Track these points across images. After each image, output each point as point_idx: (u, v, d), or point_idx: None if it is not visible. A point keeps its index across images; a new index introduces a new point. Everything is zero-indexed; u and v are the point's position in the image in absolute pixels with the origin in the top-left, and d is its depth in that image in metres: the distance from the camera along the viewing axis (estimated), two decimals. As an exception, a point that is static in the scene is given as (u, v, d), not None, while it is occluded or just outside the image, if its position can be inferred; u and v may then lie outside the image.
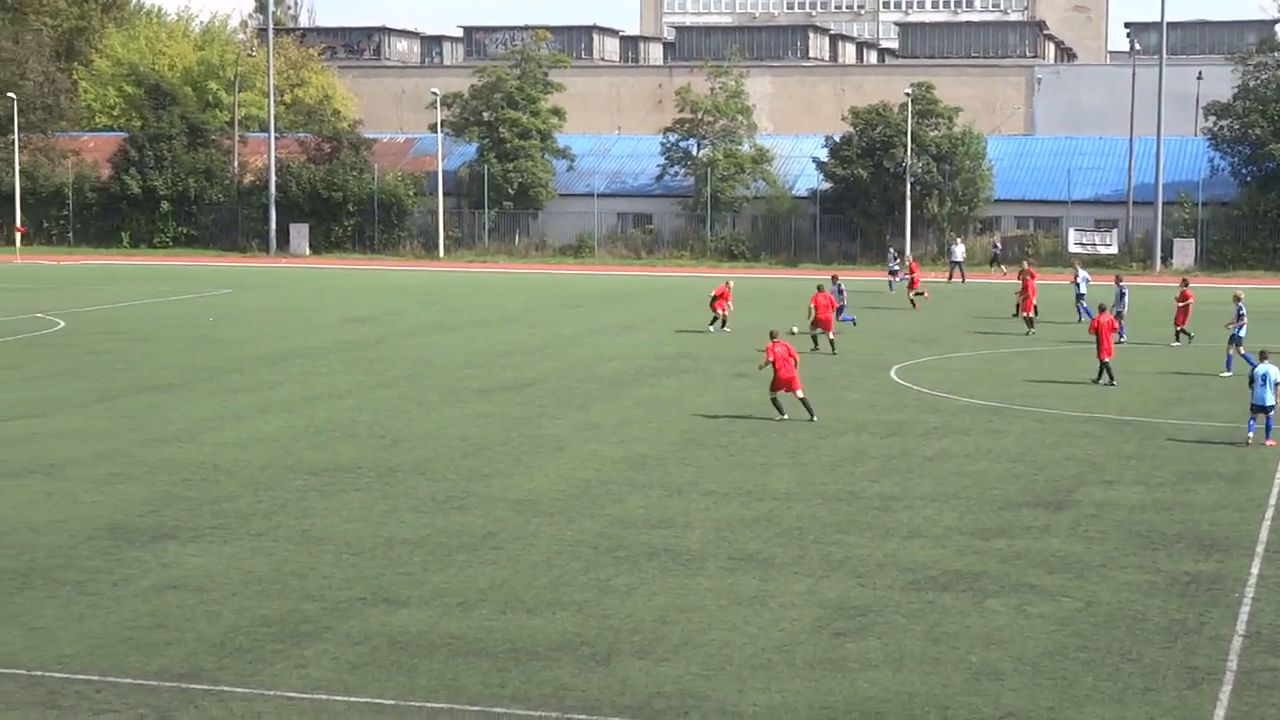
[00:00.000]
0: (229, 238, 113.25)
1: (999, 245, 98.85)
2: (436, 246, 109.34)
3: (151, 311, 68.10)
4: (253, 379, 46.74)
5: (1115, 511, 29.34)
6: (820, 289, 55.74)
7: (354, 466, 33.19)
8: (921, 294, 71.77)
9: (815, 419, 39.08)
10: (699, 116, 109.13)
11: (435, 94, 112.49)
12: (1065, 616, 22.57)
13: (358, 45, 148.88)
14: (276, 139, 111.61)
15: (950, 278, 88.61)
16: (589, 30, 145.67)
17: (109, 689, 19.34)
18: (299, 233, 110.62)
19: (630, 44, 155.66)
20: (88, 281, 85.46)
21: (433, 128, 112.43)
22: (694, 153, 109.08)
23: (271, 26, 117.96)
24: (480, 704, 18.87)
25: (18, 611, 22.56)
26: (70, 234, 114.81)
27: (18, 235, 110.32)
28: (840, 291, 59.81)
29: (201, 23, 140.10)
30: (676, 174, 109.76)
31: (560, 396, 43.46)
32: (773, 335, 40.06)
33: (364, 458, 34.23)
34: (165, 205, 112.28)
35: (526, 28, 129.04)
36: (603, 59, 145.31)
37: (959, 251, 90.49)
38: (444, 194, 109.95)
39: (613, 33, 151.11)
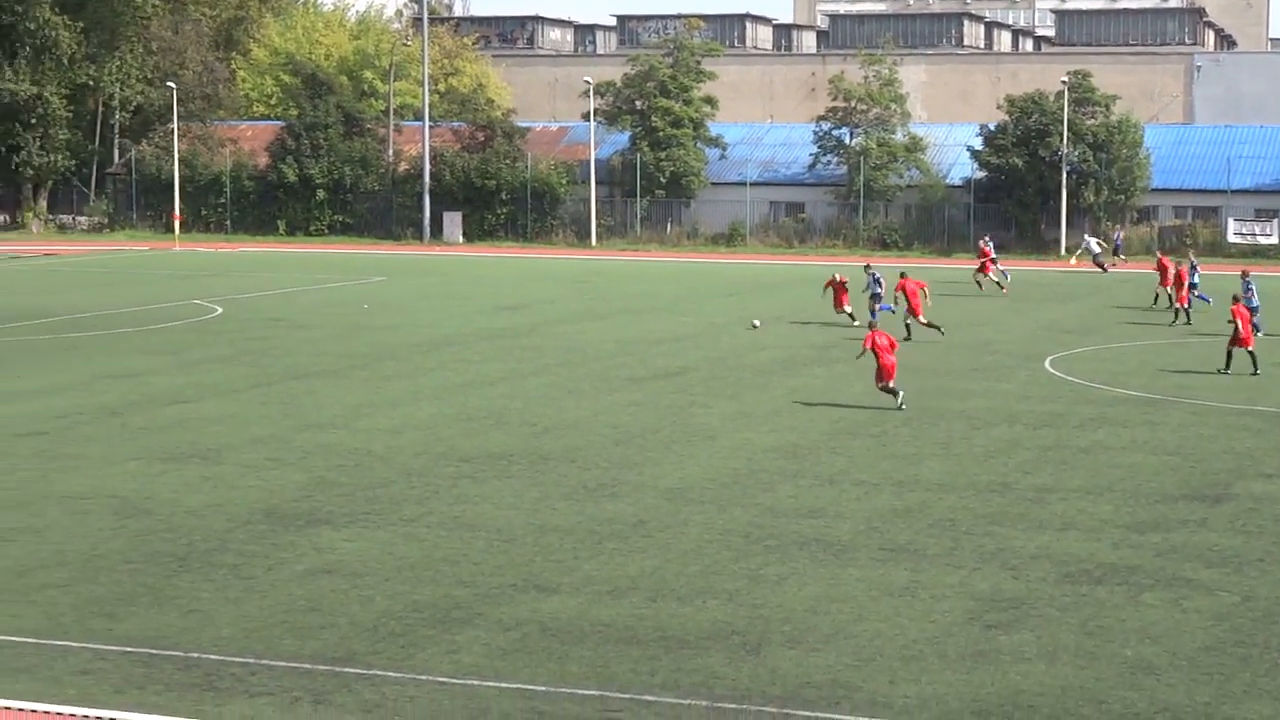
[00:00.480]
0: (383, 226, 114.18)
1: (1120, 235, 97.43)
2: (589, 235, 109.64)
3: (307, 299, 68.84)
4: (406, 366, 47.12)
5: (1274, 505, 28.89)
6: (903, 274, 54.98)
7: (505, 454, 33.35)
8: (999, 281, 70.75)
9: (904, 408, 38.70)
10: (852, 105, 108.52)
11: (588, 83, 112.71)
12: (1222, 611, 22.25)
13: (511, 34, 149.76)
14: (431, 128, 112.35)
15: (1105, 268, 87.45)
16: (742, 19, 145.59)
17: (264, 671, 19.57)
18: (453, 221, 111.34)
19: (783, 32, 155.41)
20: (244, 269, 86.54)
21: (585, 116, 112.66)
22: (847, 141, 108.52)
23: (426, 16, 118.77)
24: (630, 692, 18.89)
25: (176, 594, 22.88)
26: (227, 221, 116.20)
27: (176, 223, 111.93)
28: (876, 281, 59.18)
29: (357, 12, 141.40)
30: (829, 163, 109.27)
31: (711, 385, 43.43)
32: (871, 324, 39.96)
33: (515, 445, 34.38)
34: (321, 193, 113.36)
35: (679, 16, 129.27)
36: (755, 47, 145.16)
37: (1094, 244, 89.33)
38: (596, 182, 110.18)
39: (766, 21, 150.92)
